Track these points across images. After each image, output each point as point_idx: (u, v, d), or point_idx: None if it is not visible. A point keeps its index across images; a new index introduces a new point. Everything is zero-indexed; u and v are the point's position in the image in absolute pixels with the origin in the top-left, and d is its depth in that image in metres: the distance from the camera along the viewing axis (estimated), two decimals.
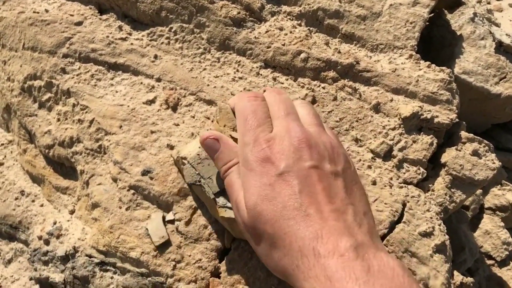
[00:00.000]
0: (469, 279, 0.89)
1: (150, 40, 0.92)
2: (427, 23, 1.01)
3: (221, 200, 0.70)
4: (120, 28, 0.93)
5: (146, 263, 0.80)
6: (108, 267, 0.84)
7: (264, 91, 0.71)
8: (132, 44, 0.91)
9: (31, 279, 0.99)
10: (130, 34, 0.93)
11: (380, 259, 0.44)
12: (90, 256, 0.86)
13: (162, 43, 0.92)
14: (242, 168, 0.55)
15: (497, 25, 1.36)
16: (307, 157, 0.51)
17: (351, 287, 0.41)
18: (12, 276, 1.00)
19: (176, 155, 0.80)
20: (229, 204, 0.70)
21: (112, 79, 0.90)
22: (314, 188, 0.49)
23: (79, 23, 0.93)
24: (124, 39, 0.91)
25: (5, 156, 1.09)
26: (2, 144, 1.12)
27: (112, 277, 0.84)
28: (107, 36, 0.91)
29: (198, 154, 0.72)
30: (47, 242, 0.91)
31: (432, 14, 1.05)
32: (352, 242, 0.45)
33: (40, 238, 0.92)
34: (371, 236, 0.48)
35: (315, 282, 0.44)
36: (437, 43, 1.17)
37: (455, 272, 0.89)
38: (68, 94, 0.90)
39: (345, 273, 0.42)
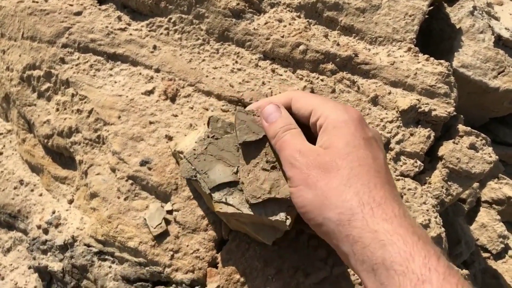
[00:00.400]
0: (464, 271, 0.90)
1: (149, 31, 0.92)
2: (427, 16, 1.01)
3: (216, 195, 0.70)
4: (119, 18, 0.93)
5: (144, 252, 0.80)
6: (106, 257, 0.85)
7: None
8: (131, 34, 0.91)
9: (30, 267, 0.99)
10: (129, 24, 0.93)
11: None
12: (88, 246, 0.86)
13: (161, 33, 0.92)
14: (332, 124, 0.58)
15: (497, 18, 1.36)
16: (382, 144, 0.62)
17: (438, 253, 0.47)
18: (11, 264, 1.01)
19: (174, 147, 0.80)
20: (224, 199, 0.70)
21: (111, 69, 0.90)
22: (387, 164, 0.59)
23: (78, 13, 0.93)
24: (123, 30, 0.92)
25: (4, 146, 1.10)
26: (1, 134, 1.12)
27: (110, 266, 0.84)
28: (106, 27, 0.91)
29: (194, 149, 0.72)
30: (46, 231, 0.92)
31: (432, 7, 1.05)
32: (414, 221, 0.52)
33: (39, 227, 0.93)
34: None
35: (400, 229, 0.48)
36: (436, 36, 1.17)
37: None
38: (67, 84, 0.90)
39: (428, 241, 0.48)
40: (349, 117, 0.58)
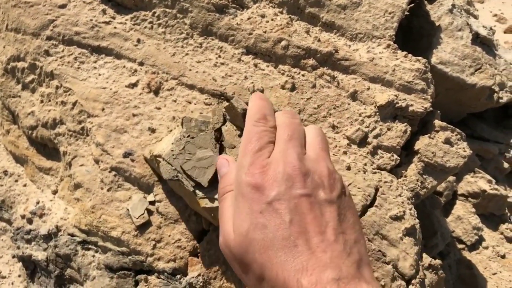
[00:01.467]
0: (437, 261, 0.94)
1: (134, 24, 0.93)
2: (407, 13, 1.04)
3: (200, 193, 0.72)
4: (103, 11, 0.94)
5: (126, 242, 0.82)
6: (89, 246, 0.87)
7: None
8: (115, 28, 0.92)
9: (13, 256, 1.01)
10: (113, 18, 0.94)
11: None
12: (72, 235, 0.88)
13: (145, 27, 0.93)
14: (235, 191, 0.53)
15: (475, 16, 1.39)
16: (299, 185, 0.50)
17: None
18: None
19: (149, 154, 0.81)
20: (208, 195, 0.72)
21: (95, 62, 0.91)
22: (304, 218, 0.48)
23: (63, 6, 0.93)
24: (107, 23, 0.93)
25: None
26: None
27: (93, 256, 0.86)
28: (91, 20, 0.92)
29: (172, 150, 0.74)
30: (30, 221, 0.93)
31: (412, 5, 1.07)
32: (334, 275, 0.45)
33: (23, 217, 0.94)
34: (358, 266, 0.48)
35: None
36: (416, 33, 1.20)
37: (424, 255, 0.93)
38: (52, 76, 0.91)
39: None
40: (246, 186, 0.51)
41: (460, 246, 1.24)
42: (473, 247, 1.23)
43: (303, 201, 0.49)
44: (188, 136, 0.74)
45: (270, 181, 0.50)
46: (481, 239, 1.24)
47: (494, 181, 1.29)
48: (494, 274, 1.18)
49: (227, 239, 0.51)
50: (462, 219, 1.22)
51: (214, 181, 0.72)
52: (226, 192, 0.55)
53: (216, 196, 0.71)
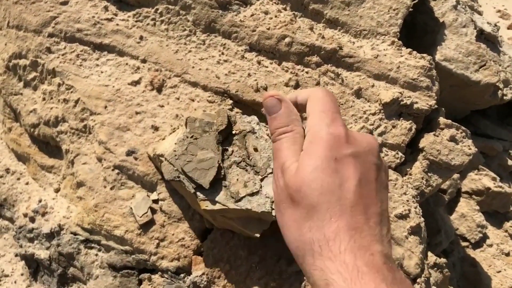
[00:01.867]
0: (442, 260, 0.93)
1: (136, 21, 0.92)
2: (411, 10, 1.03)
3: (201, 195, 0.71)
4: (106, 8, 0.93)
5: (130, 241, 0.82)
6: (92, 245, 0.86)
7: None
8: (117, 24, 0.91)
9: (16, 255, 1.00)
10: (116, 14, 0.93)
11: (401, 274, 0.48)
12: (75, 234, 0.87)
13: (147, 24, 0.92)
14: (311, 136, 0.54)
15: (480, 13, 1.38)
16: (376, 155, 0.53)
17: (378, 283, 0.44)
18: None
19: (152, 152, 0.81)
20: (209, 197, 0.71)
21: (97, 59, 0.90)
22: (370, 186, 0.51)
23: (64, 3, 0.93)
24: (110, 20, 0.92)
25: None
26: None
27: (96, 254, 0.86)
28: (93, 16, 0.91)
29: (175, 151, 0.73)
30: (32, 220, 0.92)
31: (416, 1, 1.06)
32: (381, 249, 0.48)
33: (25, 215, 0.93)
34: (390, 248, 0.51)
35: (341, 266, 0.45)
36: (420, 30, 1.19)
37: (429, 253, 0.93)
38: (54, 73, 0.90)
39: (374, 270, 0.45)
40: (328, 133, 0.53)
41: (464, 244, 1.24)
42: (477, 244, 1.22)
43: (374, 170, 0.52)
44: (192, 136, 0.74)
45: (352, 139, 0.53)
46: (485, 237, 1.23)
47: (498, 178, 1.28)
48: (499, 272, 1.18)
49: (285, 173, 0.52)
50: (466, 216, 1.22)
51: (215, 183, 0.71)
52: (282, 133, 0.57)
53: (217, 199, 0.71)
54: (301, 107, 0.59)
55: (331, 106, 0.58)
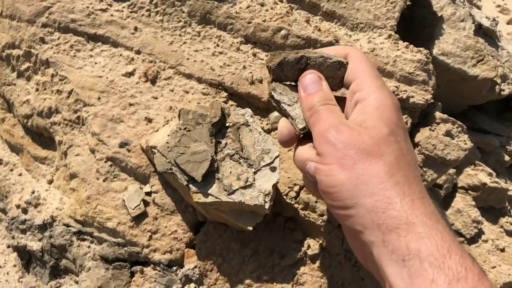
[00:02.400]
0: None
1: (131, 12, 0.91)
2: (409, 3, 1.02)
3: (194, 187, 0.71)
4: None
5: (122, 233, 0.81)
6: (85, 237, 0.86)
7: None
8: (112, 15, 0.91)
9: (8, 246, 1.00)
10: (110, 5, 0.92)
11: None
12: (67, 226, 0.87)
13: (142, 15, 0.91)
14: (378, 103, 0.56)
15: (478, 7, 1.37)
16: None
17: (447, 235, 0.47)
18: None
19: (145, 144, 0.80)
20: (202, 190, 0.71)
21: (91, 50, 0.89)
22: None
23: None
24: (104, 10, 0.91)
25: None
26: None
27: (89, 246, 0.85)
28: (87, 7, 0.90)
29: (168, 143, 0.72)
30: (25, 211, 0.92)
31: None
32: (434, 209, 0.51)
33: (18, 206, 0.93)
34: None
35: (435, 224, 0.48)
36: (418, 24, 1.18)
37: None
38: (47, 64, 0.89)
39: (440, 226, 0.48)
40: (393, 103, 0.56)
41: (459, 239, 1.23)
42: (473, 240, 1.22)
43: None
44: (185, 129, 0.73)
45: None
46: (480, 232, 1.23)
47: (494, 174, 1.28)
48: (493, 267, 1.17)
49: (340, 129, 0.54)
50: (461, 212, 1.21)
51: (208, 175, 0.71)
52: (327, 104, 0.58)
53: (209, 191, 0.70)
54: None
55: (377, 72, 0.61)
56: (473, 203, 1.25)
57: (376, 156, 0.51)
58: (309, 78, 0.60)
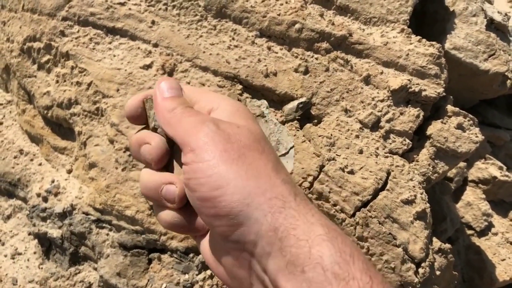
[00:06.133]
0: (447, 245, 0.94)
1: (148, 6, 0.93)
2: None
3: None
4: None
5: (140, 221, 0.84)
6: (104, 224, 0.88)
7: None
8: (130, 9, 0.93)
9: (29, 234, 1.03)
10: None
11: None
12: (87, 214, 0.89)
13: (159, 9, 0.93)
14: (226, 102, 0.51)
15: (490, 2, 1.38)
16: None
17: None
18: (11, 231, 1.04)
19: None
20: None
21: (110, 43, 0.92)
22: None
23: None
24: (122, 4, 0.93)
25: (4, 116, 1.12)
26: (1, 104, 1.14)
27: (107, 234, 0.88)
28: (106, 1, 0.92)
29: None
30: (45, 200, 0.95)
31: None
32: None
33: (38, 195, 0.96)
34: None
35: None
36: (430, 18, 1.19)
37: (434, 239, 0.94)
38: (67, 56, 0.92)
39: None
40: (245, 108, 0.51)
41: (469, 232, 1.25)
42: (482, 233, 1.23)
43: None
44: None
45: None
46: (490, 226, 1.24)
47: (505, 167, 1.29)
48: (503, 260, 1.19)
49: (228, 124, 0.46)
50: (472, 205, 1.23)
51: None
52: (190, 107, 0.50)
53: None
54: None
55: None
56: (483, 196, 1.26)
57: (258, 151, 0.45)
58: (168, 83, 0.51)
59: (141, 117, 0.52)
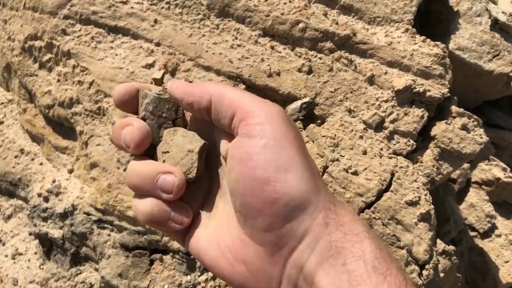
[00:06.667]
0: (451, 247, 0.93)
1: (151, 4, 0.93)
2: None
3: None
4: None
5: None
6: (105, 225, 0.87)
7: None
8: (132, 7, 0.92)
9: (30, 234, 1.02)
10: None
11: None
12: (88, 214, 0.89)
13: (162, 7, 0.93)
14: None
15: (494, 2, 1.37)
16: None
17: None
18: (12, 231, 1.03)
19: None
20: None
21: (112, 42, 0.91)
22: None
23: None
24: (124, 3, 0.92)
25: (5, 115, 1.11)
26: (2, 103, 1.13)
27: (109, 234, 0.87)
28: None
29: None
30: (46, 200, 0.94)
31: None
32: None
33: (39, 195, 0.95)
34: None
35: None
36: (434, 18, 1.19)
37: (438, 240, 0.93)
38: (69, 55, 0.91)
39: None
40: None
41: (472, 233, 1.24)
42: (486, 234, 1.23)
43: None
44: None
45: None
46: (493, 227, 1.23)
47: (508, 169, 1.28)
48: (506, 262, 1.18)
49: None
50: (475, 206, 1.22)
51: None
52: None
53: None
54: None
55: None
56: (487, 197, 1.25)
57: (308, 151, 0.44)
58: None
59: (129, 104, 0.49)
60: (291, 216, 0.40)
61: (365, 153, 0.87)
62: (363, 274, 0.37)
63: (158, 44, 0.90)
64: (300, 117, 0.89)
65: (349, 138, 0.88)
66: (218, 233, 0.45)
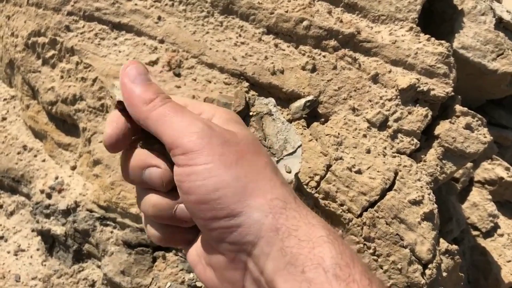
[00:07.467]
0: (454, 247, 0.93)
1: (154, 1, 0.92)
2: None
3: None
4: None
5: None
6: (108, 222, 0.87)
7: None
8: (136, 4, 0.92)
9: (33, 230, 1.02)
10: None
11: None
12: (91, 211, 0.89)
13: (166, 4, 0.92)
14: (219, 111, 0.49)
15: (499, 1, 1.37)
16: None
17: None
18: (14, 227, 1.03)
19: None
20: None
21: (115, 38, 0.91)
22: None
23: None
24: None
25: (7, 111, 1.11)
26: (5, 99, 1.13)
27: (112, 232, 0.87)
28: None
29: None
30: (49, 196, 0.94)
31: None
32: None
33: (42, 192, 0.95)
34: None
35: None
36: (438, 17, 1.18)
37: (441, 240, 0.93)
38: (72, 52, 0.91)
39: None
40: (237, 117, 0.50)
41: (475, 233, 1.24)
42: (488, 234, 1.22)
43: None
44: None
45: None
46: (496, 227, 1.23)
47: (511, 168, 1.28)
48: (509, 261, 1.18)
49: (221, 127, 0.45)
50: (477, 206, 1.22)
51: None
52: (170, 100, 0.46)
53: None
54: None
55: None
56: (490, 197, 1.25)
57: (256, 154, 0.44)
58: (136, 67, 0.45)
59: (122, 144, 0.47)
60: (237, 225, 0.40)
61: (368, 151, 0.86)
62: (323, 283, 0.36)
63: (161, 41, 0.90)
64: (304, 115, 0.89)
65: (353, 137, 0.88)
66: (198, 239, 0.46)
